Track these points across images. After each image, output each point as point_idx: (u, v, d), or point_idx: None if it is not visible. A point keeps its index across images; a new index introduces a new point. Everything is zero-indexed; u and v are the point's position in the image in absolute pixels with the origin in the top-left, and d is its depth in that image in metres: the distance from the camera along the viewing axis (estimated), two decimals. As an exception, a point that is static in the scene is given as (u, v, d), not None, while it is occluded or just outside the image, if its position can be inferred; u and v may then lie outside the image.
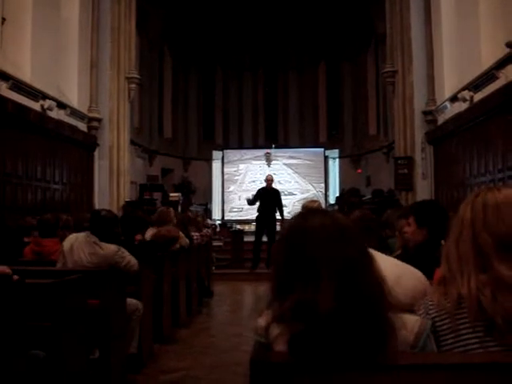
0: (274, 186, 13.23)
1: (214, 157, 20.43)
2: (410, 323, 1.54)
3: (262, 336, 1.52)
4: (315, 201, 5.75)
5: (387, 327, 1.46)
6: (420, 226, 3.46)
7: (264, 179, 13.39)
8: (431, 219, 3.41)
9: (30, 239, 5.74)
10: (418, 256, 3.11)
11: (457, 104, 10.90)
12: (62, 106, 11.44)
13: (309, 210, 1.66)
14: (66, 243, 4.85)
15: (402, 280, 2.39)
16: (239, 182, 19.62)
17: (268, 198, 12.57)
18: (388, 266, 2.43)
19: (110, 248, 4.86)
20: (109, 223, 4.98)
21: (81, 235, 4.89)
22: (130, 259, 4.90)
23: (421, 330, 1.53)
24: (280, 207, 12.61)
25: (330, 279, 1.44)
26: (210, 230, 11.27)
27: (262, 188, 13.02)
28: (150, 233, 7.15)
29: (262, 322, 1.54)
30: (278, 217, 12.48)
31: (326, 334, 1.39)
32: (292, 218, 1.65)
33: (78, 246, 4.78)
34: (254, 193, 12.97)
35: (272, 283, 1.56)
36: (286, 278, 1.50)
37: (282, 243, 1.57)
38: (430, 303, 1.64)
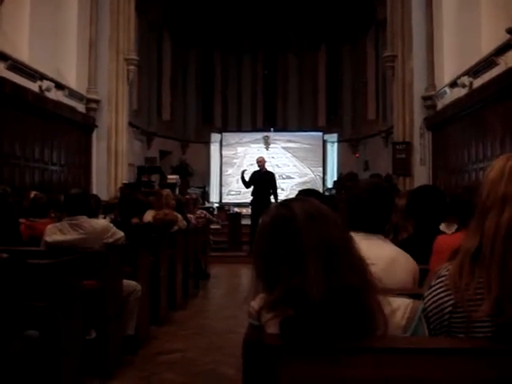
0: (269, 168, 13.09)
1: (212, 139, 20.42)
2: (402, 307, 1.55)
3: (255, 319, 1.54)
4: None
5: (373, 310, 1.47)
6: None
7: (256, 162, 13.08)
8: (417, 207, 3.44)
9: (23, 221, 5.71)
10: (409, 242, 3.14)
11: (456, 90, 10.88)
12: (60, 87, 11.40)
13: (288, 199, 1.67)
14: (52, 236, 4.73)
15: (395, 265, 2.41)
16: (237, 165, 19.58)
17: (262, 181, 12.42)
18: (382, 251, 2.45)
19: (100, 223, 4.90)
20: (83, 198, 4.93)
21: (62, 223, 4.85)
22: (116, 233, 4.93)
23: (412, 314, 1.54)
24: (274, 190, 12.46)
25: (316, 264, 1.45)
26: (206, 212, 11.24)
27: (256, 171, 12.79)
28: (148, 215, 7.16)
29: (254, 305, 1.56)
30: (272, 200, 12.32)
31: (316, 318, 1.40)
32: (272, 208, 1.64)
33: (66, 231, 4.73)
34: (249, 171, 12.85)
35: (258, 272, 1.57)
36: (273, 267, 1.51)
37: (266, 233, 1.57)
38: (446, 288, 1.54)
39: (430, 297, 1.57)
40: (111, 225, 4.98)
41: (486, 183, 1.55)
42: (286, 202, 1.64)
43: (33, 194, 6.41)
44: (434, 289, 1.57)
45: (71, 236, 4.65)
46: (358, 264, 1.53)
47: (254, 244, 1.61)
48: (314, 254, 1.47)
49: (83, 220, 4.72)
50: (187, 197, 10.70)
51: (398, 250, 2.55)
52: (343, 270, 1.47)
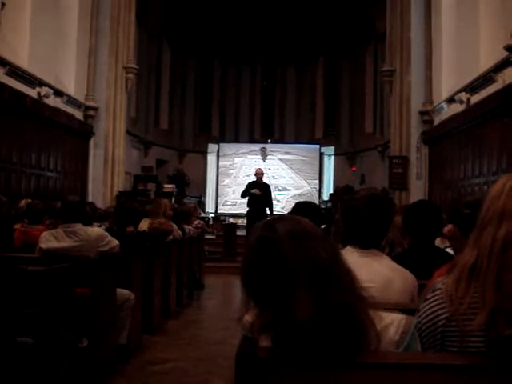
0: (265, 180, 13.09)
1: (209, 149, 20.44)
2: (395, 322, 1.55)
3: (249, 331, 1.53)
4: None
5: (365, 325, 1.46)
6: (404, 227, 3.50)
7: (254, 173, 13.10)
8: (412, 222, 3.43)
9: (18, 227, 5.69)
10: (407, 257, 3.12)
11: (453, 105, 10.93)
12: (58, 93, 11.41)
13: (273, 219, 1.62)
14: (47, 243, 4.69)
15: (392, 286, 2.39)
16: (234, 175, 19.61)
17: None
18: (380, 269, 2.44)
19: (95, 231, 4.88)
20: (81, 206, 4.92)
21: (57, 230, 4.81)
22: (111, 242, 4.90)
23: (406, 329, 1.54)
24: (270, 202, 12.47)
25: (303, 287, 1.43)
26: (203, 222, 11.23)
27: (253, 182, 12.79)
28: (143, 224, 7.14)
29: (248, 318, 1.55)
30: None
31: (306, 337, 1.40)
32: (257, 228, 1.60)
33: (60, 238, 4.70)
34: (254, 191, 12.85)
35: (247, 293, 1.56)
36: (260, 290, 1.50)
37: (251, 257, 1.55)
38: (442, 301, 1.53)
39: (424, 309, 1.57)
40: (106, 233, 4.96)
41: (487, 199, 1.57)
42: (271, 223, 1.58)
43: (23, 201, 6.39)
44: (429, 301, 1.56)
45: (66, 243, 4.63)
46: (348, 280, 1.52)
47: (241, 267, 1.58)
48: (301, 277, 1.45)
49: (78, 227, 4.70)
50: (178, 206, 10.66)
51: (396, 267, 2.51)
52: (332, 289, 1.45)
